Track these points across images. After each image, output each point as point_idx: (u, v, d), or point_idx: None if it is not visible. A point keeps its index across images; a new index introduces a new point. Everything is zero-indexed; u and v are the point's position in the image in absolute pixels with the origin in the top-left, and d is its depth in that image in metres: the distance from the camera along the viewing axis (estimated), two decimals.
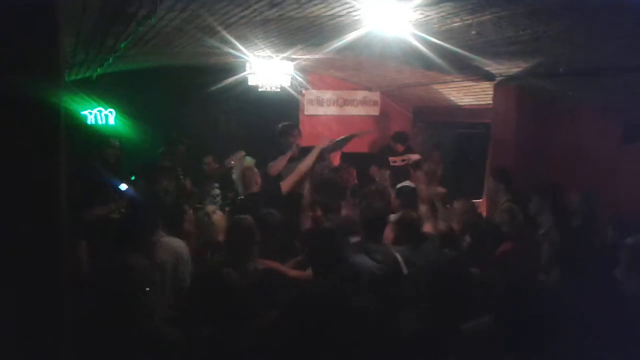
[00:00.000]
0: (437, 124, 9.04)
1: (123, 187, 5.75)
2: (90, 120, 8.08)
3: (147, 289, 3.64)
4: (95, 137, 6.69)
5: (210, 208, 4.96)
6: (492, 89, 6.62)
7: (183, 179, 6.75)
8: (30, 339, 2.12)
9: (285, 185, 5.63)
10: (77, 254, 3.64)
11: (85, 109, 7.97)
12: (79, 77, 7.02)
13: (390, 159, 8.17)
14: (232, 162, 6.81)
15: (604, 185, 5.55)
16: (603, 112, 6.02)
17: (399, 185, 6.00)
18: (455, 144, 9.15)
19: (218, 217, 4.71)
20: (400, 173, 7.93)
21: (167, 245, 4.12)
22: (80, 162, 5.95)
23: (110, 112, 8.12)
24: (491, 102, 6.74)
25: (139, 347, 2.64)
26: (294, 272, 4.33)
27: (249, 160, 6.12)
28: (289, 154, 6.07)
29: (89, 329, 2.62)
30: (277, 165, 6.01)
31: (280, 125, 6.46)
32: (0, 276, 2.09)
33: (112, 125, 8.08)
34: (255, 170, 5.76)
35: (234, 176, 5.86)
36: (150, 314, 2.97)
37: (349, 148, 8.03)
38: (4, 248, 2.08)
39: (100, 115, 8.10)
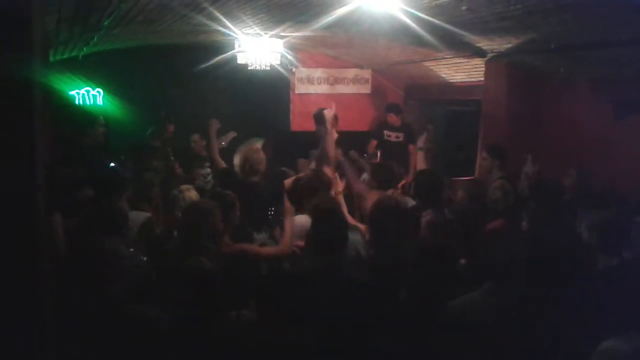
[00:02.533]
0: (428, 102, 9.00)
1: (112, 166, 5.71)
2: (78, 100, 7.99)
3: (132, 249, 3.64)
4: (82, 117, 6.61)
5: (185, 187, 4.79)
6: (483, 66, 6.57)
7: (172, 160, 6.70)
8: (10, 324, 2.09)
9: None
10: (54, 235, 3.59)
11: (73, 89, 7.88)
12: (64, 56, 6.92)
13: (385, 132, 8.15)
14: (223, 143, 6.75)
15: (596, 161, 5.55)
16: (595, 88, 5.99)
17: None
18: (446, 121, 9.13)
19: (192, 195, 4.60)
20: (395, 149, 7.93)
21: (132, 220, 4.05)
22: (70, 142, 5.88)
23: (98, 92, 8.03)
24: (482, 79, 6.70)
25: (123, 329, 2.60)
26: (267, 250, 4.25)
27: (256, 142, 5.73)
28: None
29: (70, 313, 2.59)
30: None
31: (317, 110, 6.25)
32: None
33: (100, 105, 7.99)
34: (262, 154, 5.19)
35: (235, 160, 5.39)
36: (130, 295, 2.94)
37: (343, 127, 8.01)
38: None
39: (88, 95, 8.01)
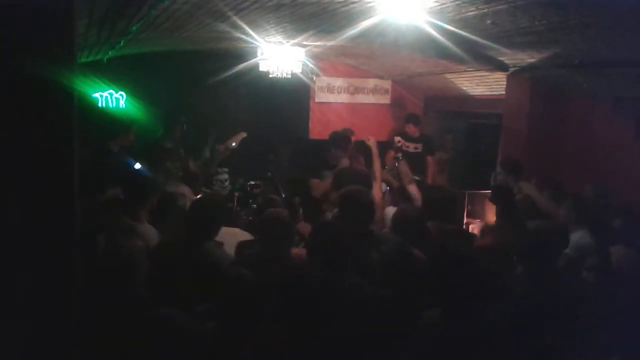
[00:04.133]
0: (448, 114, 8.99)
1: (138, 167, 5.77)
2: (102, 103, 8.08)
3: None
4: (110, 121, 6.68)
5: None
6: (505, 80, 6.56)
7: (185, 159, 6.71)
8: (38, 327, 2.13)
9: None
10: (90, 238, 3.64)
11: (97, 92, 7.97)
12: (90, 59, 7.01)
13: (403, 143, 8.14)
14: (233, 144, 6.79)
15: (617, 178, 5.50)
16: (617, 104, 5.95)
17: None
18: (466, 134, 9.10)
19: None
20: (413, 160, 7.91)
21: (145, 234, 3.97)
22: (100, 146, 5.94)
23: (121, 95, 8.11)
24: (504, 92, 6.68)
25: (146, 332, 2.62)
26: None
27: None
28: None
29: (96, 315, 2.62)
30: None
31: (331, 134, 6.53)
32: (11, 257, 2.09)
33: (122, 108, 8.07)
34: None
35: None
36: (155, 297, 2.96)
37: (360, 136, 8.03)
38: (17, 230, 2.09)
39: (111, 98, 8.09)
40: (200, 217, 3.70)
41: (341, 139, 6.81)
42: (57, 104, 2.05)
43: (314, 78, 8.69)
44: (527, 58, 5.60)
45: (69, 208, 2.13)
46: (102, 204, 4.38)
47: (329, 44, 6.25)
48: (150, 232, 4.05)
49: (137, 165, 5.61)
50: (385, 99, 9.18)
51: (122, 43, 5.49)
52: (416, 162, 7.81)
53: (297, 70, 6.80)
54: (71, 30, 2.12)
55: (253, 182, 7.18)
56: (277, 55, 6.47)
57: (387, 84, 9.12)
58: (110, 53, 6.40)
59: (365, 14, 4.30)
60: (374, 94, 9.12)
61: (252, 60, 6.76)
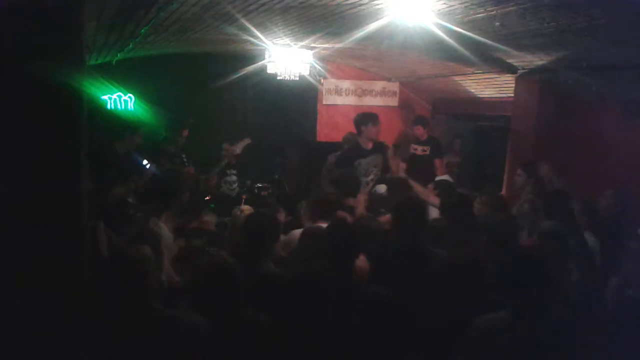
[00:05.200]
0: (456, 116, 8.97)
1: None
2: (110, 105, 8.11)
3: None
4: (118, 124, 6.71)
5: (246, 207, 5.01)
6: (513, 82, 6.53)
7: (187, 164, 6.73)
8: (49, 327, 2.13)
9: None
10: (96, 239, 3.65)
11: (105, 94, 8.00)
12: (98, 62, 7.04)
13: (411, 146, 8.13)
14: (237, 151, 6.87)
15: (626, 181, 5.47)
16: (626, 107, 5.91)
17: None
18: (474, 136, 9.07)
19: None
20: (421, 162, 7.89)
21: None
22: (108, 147, 5.98)
23: (130, 97, 8.14)
24: (512, 94, 6.66)
25: (162, 334, 2.61)
26: None
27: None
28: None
29: (107, 316, 2.61)
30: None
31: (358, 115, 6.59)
32: (19, 259, 2.10)
33: (131, 110, 8.10)
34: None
35: None
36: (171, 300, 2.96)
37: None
38: (24, 231, 2.10)
39: (120, 101, 8.12)
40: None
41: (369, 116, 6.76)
42: (67, 105, 2.06)
43: (322, 80, 8.69)
44: (535, 60, 5.58)
45: (77, 207, 2.14)
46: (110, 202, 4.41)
47: (337, 46, 6.24)
48: (164, 231, 4.11)
49: (145, 164, 5.65)
50: (393, 102, 9.16)
51: (130, 46, 5.50)
52: (424, 165, 7.80)
53: (305, 72, 6.81)
54: (80, 33, 2.14)
55: (260, 185, 7.21)
56: (285, 57, 6.48)
57: (395, 87, 9.10)
58: (119, 55, 6.42)
59: (373, 16, 4.29)
60: (381, 96, 9.11)
61: (260, 63, 6.78)
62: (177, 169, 6.00)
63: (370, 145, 6.44)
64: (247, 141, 6.95)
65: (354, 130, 6.74)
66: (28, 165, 2.10)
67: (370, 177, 6.30)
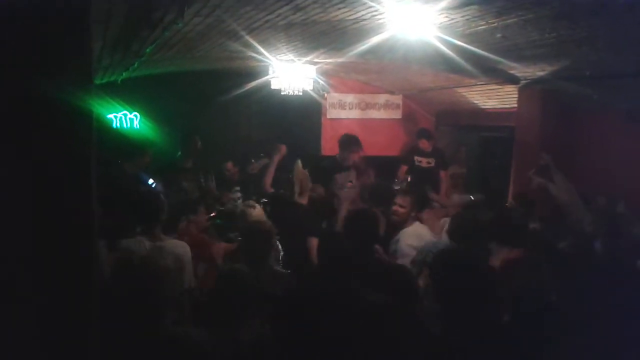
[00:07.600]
0: (460, 128, 8.98)
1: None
2: (116, 123, 8.17)
3: None
4: (126, 143, 6.74)
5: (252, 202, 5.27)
6: (516, 92, 6.56)
7: (205, 181, 6.74)
8: (57, 338, 2.15)
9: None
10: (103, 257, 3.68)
11: (111, 113, 8.06)
12: (104, 81, 7.11)
13: (416, 158, 8.14)
14: (254, 171, 6.94)
15: (629, 190, 5.46)
16: (629, 116, 5.93)
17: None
18: (478, 147, 9.08)
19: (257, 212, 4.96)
20: (426, 175, 7.90)
21: (167, 250, 3.99)
22: (118, 168, 6.01)
23: (135, 115, 8.20)
24: (515, 105, 6.68)
25: (165, 351, 2.62)
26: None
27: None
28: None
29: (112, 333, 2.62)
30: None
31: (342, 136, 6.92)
32: (31, 279, 2.12)
33: (137, 128, 8.16)
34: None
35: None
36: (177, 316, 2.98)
37: (371, 151, 8.05)
38: (34, 248, 2.12)
39: (126, 119, 8.18)
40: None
41: (351, 139, 7.05)
42: (76, 126, 2.09)
43: (325, 95, 8.74)
44: (538, 71, 5.61)
45: (88, 227, 2.16)
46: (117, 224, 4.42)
47: (340, 60, 6.30)
48: (176, 245, 4.11)
49: (152, 184, 5.66)
50: (397, 114, 9.19)
51: (136, 64, 5.56)
52: (430, 177, 7.81)
53: (309, 87, 6.86)
54: (88, 52, 2.18)
55: (266, 200, 7.22)
56: (289, 72, 6.54)
57: (398, 99, 9.13)
58: (124, 74, 6.48)
59: (375, 30, 4.34)
60: (385, 109, 9.14)
61: (264, 78, 6.83)
62: (188, 188, 6.03)
63: (348, 163, 6.88)
64: (265, 161, 6.99)
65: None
66: (37, 188, 2.11)
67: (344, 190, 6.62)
